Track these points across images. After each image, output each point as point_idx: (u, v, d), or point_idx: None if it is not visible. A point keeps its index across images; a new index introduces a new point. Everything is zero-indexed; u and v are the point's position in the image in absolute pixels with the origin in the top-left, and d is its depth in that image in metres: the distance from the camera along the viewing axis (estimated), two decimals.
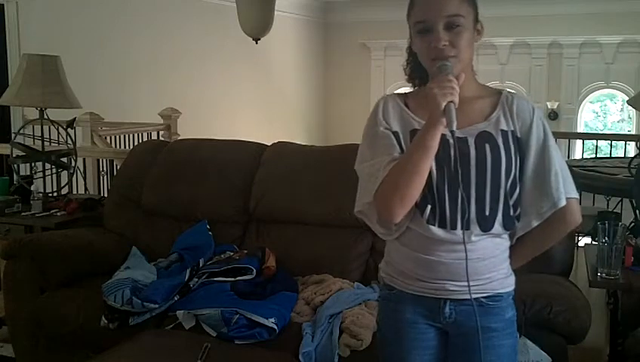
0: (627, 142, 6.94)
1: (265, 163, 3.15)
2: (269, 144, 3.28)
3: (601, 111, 10.04)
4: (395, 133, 1.47)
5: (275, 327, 2.32)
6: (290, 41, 9.49)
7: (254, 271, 2.66)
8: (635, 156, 4.42)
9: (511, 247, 1.52)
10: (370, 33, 9.97)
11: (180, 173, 3.22)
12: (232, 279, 2.62)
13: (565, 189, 1.45)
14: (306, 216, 2.95)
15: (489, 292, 1.47)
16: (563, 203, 1.44)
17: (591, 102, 9.80)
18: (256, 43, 5.92)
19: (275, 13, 5.84)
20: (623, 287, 2.39)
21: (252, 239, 3.04)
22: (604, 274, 2.30)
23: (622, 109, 9.83)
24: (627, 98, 8.52)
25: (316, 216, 2.93)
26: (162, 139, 5.64)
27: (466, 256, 1.39)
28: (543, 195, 1.44)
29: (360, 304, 2.49)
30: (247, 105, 8.46)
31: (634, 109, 7.95)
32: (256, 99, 8.62)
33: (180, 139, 4.23)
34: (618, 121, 9.97)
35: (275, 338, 2.31)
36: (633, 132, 9.36)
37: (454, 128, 1.33)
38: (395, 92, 1.59)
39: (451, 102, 1.34)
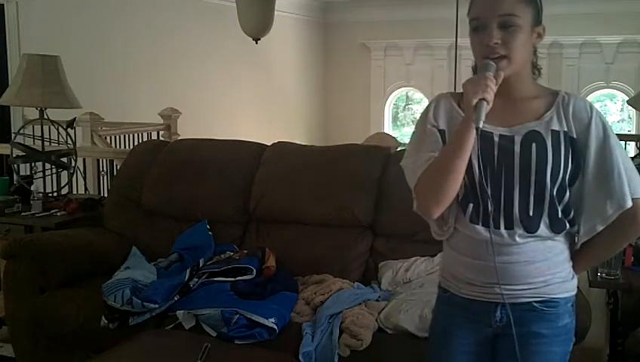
0: (627, 142, 6.93)
1: (265, 163, 3.15)
2: (269, 144, 3.28)
3: (601, 111, 10.04)
4: (442, 132, 1.47)
5: (275, 327, 2.32)
6: (290, 41, 9.48)
7: (254, 271, 2.66)
8: (635, 156, 4.42)
9: (576, 251, 1.49)
10: (370, 33, 9.97)
11: (180, 173, 3.22)
12: (232, 279, 2.62)
13: (631, 189, 1.40)
14: (306, 216, 2.95)
15: (543, 297, 1.44)
16: (629, 204, 1.39)
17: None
18: (256, 43, 5.91)
19: (275, 13, 5.83)
20: (623, 287, 2.39)
21: (252, 239, 3.04)
22: (604, 274, 2.30)
23: (622, 109, 9.82)
24: (627, 98, 8.52)
25: (316, 216, 2.93)
26: (162, 139, 5.63)
27: (494, 256, 1.37)
28: (606, 197, 1.40)
29: (360, 304, 2.49)
30: (247, 105, 8.46)
31: (634, 109, 7.94)
32: (256, 99, 8.62)
33: (180, 139, 4.23)
34: (618, 121, 9.96)
35: (275, 338, 2.31)
36: (633, 132, 9.35)
37: (480, 125, 1.31)
38: (453, 91, 1.57)
39: (483, 99, 1.32)
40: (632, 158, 4.34)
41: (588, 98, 9.57)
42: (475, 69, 1.47)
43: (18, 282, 2.80)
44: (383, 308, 2.44)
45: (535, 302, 1.44)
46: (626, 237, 1.50)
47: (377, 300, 2.56)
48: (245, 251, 2.88)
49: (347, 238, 2.86)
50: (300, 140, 5.34)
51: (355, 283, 2.73)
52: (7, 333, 2.98)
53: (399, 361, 2.20)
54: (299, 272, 2.82)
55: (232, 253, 2.86)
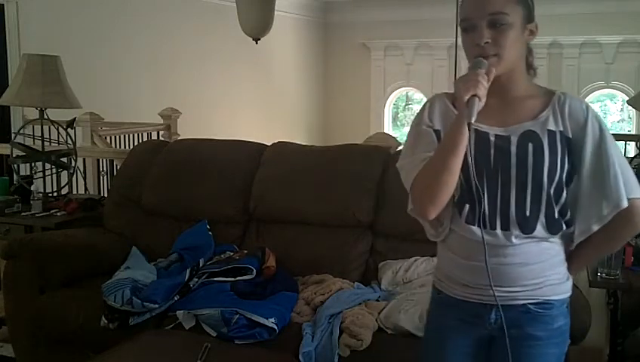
0: (627, 142, 6.93)
1: (265, 163, 3.15)
2: (269, 144, 3.28)
3: (601, 111, 10.03)
4: (437, 132, 1.46)
5: (275, 327, 2.32)
6: (290, 41, 9.48)
7: (254, 271, 2.66)
8: (635, 156, 4.42)
9: (571, 252, 1.48)
10: (370, 33, 9.97)
11: (180, 173, 3.22)
12: (232, 279, 2.62)
13: (627, 189, 1.39)
14: (306, 216, 2.95)
15: (538, 299, 1.43)
16: (624, 204, 1.38)
17: (591, 102, 9.80)
18: (256, 43, 5.91)
19: (275, 13, 5.83)
20: (623, 287, 2.39)
21: (252, 239, 3.04)
22: (604, 274, 2.30)
23: (622, 109, 9.82)
24: (627, 98, 8.51)
25: (316, 216, 2.93)
26: (162, 139, 5.63)
27: (485, 257, 1.36)
28: (602, 197, 1.39)
29: (360, 304, 2.49)
30: (247, 105, 8.46)
31: (634, 109, 7.94)
32: (256, 99, 8.62)
33: (180, 139, 4.22)
34: (618, 121, 9.96)
35: (275, 338, 2.31)
36: (633, 132, 9.35)
37: (472, 121, 1.31)
38: (447, 91, 1.56)
39: (475, 95, 1.32)
40: (632, 158, 4.34)
41: (588, 98, 9.58)
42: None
43: (18, 282, 2.80)
44: (383, 308, 2.44)
45: (529, 304, 1.43)
46: (621, 237, 1.50)
47: (377, 300, 2.56)
48: (245, 251, 2.88)
49: (347, 238, 2.86)
50: (300, 140, 5.34)
51: (355, 283, 2.73)
52: (7, 333, 2.98)
53: (399, 361, 2.20)
54: (299, 272, 2.82)
55: (232, 253, 2.86)
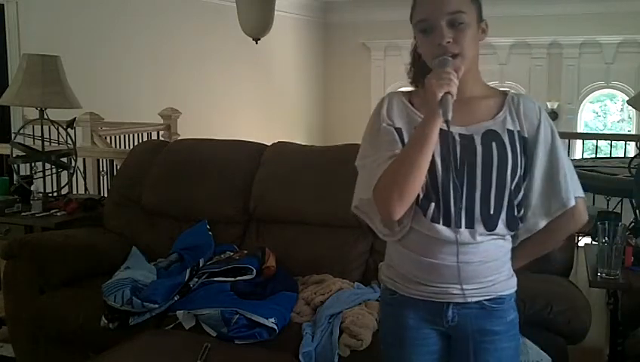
0: (627, 142, 6.93)
1: (265, 163, 3.15)
2: (269, 144, 3.28)
3: (601, 111, 10.04)
4: (398, 130, 1.46)
5: (275, 327, 2.32)
6: (290, 41, 9.49)
7: (254, 271, 2.66)
8: (635, 156, 4.42)
9: (513, 249, 1.51)
10: (370, 33, 9.97)
11: (180, 173, 3.22)
12: (232, 279, 2.62)
13: (572, 189, 1.44)
14: (306, 216, 2.95)
15: (492, 295, 1.46)
16: (572, 203, 1.43)
17: (591, 102, 9.80)
18: (257, 43, 5.92)
19: (275, 13, 5.84)
20: (623, 287, 2.39)
21: (252, 239, 3.04)
22: (604, 274, 2.30)
23: (622, 109, 9.83)
24: (627, 98, 8.52)
25: (316, 216, 2.93)
26: (162, 139, 5.63)
27: (458, 255, 1.38)
28: (552, 196, 1.44)
29: (360, 304, 2.49)
30: (247, 105, 8.46)
31: (634, 109, 7.94)
32: (256, 99, 8.62)
33: (180, 139, 4.22)
34: (618, 121, 9.96)
35: (275, 338, 2.31)
36: (633, 132, 9.35)
37: (449, 118, 1.32)
38: (400, 90, 1.57)
39: (448, 93, 1.33)
40: (632, 158, 4.35)
41: (588, 98, 9.60)
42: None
43: (18, 282, 2.80)
44: None
45: (485, 300, 1.45)
46: (563, 234, 1.53)
47: (377, 300, 2.55)
48: (245, 251, 2.88)
49: (347, 238, 2.86)
50: (300, 140, 5.34)
51: (355, 283, 2.73)
52: (7, 333, 2.98)
53: None
54: (299, 272, 2.82)
55: (232, 253, 2.86)
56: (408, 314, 1.50)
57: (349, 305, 2.44)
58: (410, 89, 1.58)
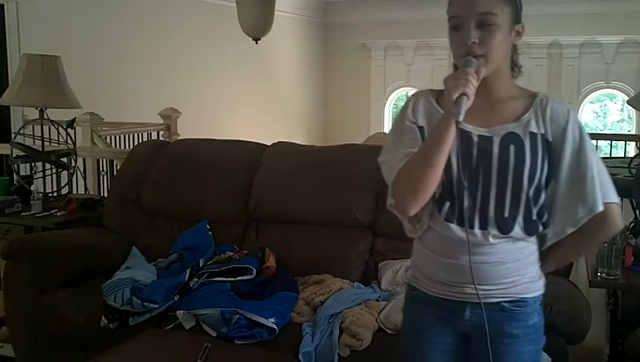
0: (627, 142, 6.93)
1: (265, 163, 3.15)
2: (269, 144, 3.28)
3: (601, 111, 10.03)
4: (421, 128, 1.46)
5: (275, 327, 2.32)
6: (290, 41, 9.48)
7: (254, 271, 2.66)
8: (635, 156, 4.41)
9: (542, 252, 1.49)
10: (370, 33, 9.97)
11: (180, 173, 3.22)
12: (232, 279, 2.62)
13: (603, 194, 1.40)
14: (306, 216, 2.95)
15: (512, 297, 1.44)
16: (600, 208, 1.40)
17: (591, 102, 9.79)
18: (257, 43, 5.91)
19: (275, 13, 5.83)
20: (623, 287, 2.39)
21: (252, 239, 3.04)
22: (604, 274, 2.30)
23: (622, 109, 9.82)
24: (627, 98, 8.51)
25: (316, 216, 2.93)
26: (162, 139, 5.63)
27: (470, 256, 1.38)
28: (578, 201, 1.41)
29: (360, 304, 2.49)
30: (247, 105, 8.46)
31: (634, 109, 7.94)
32: (256, 99, 8.62)
33: (180, 139, 4.23)
34: (618, 121, 9.96)
35: (275, 338, 2.31)
36: (633, 132, 9.34)
37: (460, 119, 1.32)
38: (431, 88, 1.56)
39: (464, 94, 1.32)
40: (632, 158, 4.35)
41: (588, 98, 9.59)
42: (455, 67, 1.46)
43: (18, 282, 2.80)
44: (383, 308, 2.44)
45: (504, 301, 1.44)
46: (594, 240, 1.53)
47: (377, 300, 2.56)
48: (245, 251, 2.88)
49: (347, 238, 2.86)
50: (300, 140, 5.34)
51: (355, 283, 2.73)
52: (7, 333, 2.98)
53: (399, 361, 2.19)
54: (299, 272, 2.82)
55: (232, 253, 2.86)
56: (427, 312, 1.51)
57: (349, 305, 2.44)
58: (441, 88, 1.58)
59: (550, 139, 1.43)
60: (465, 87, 1.32)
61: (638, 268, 2.39)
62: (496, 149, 1.41)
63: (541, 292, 1.49)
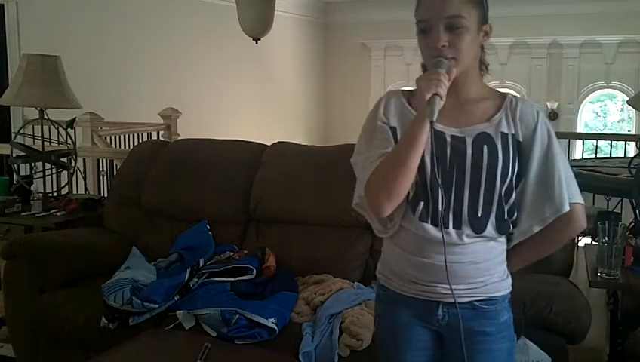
0: (627, 142, 6.93)
1: (265, 163, 3.15)
2: (269, 144, 3.28)
3: (601, 111, 10.04)
4: (393, 129, 1.47)
5: (275, 327, 2.32)
6: (290, 41, 9.49)
7: (254, 271, 2.66)
8: (635, 156, 4.42)
9: (508, 250, 1.51)
10: (370, 33, 9.98)
11: (180, 173, 3.22)
12: (232, 279, 2.62)
13: (569, 194, 1.43)
14: (306, 216, 2.95)
15: (483, 296, 1.46)
16: (566, 208, 1.43)
17: (591, 102, 9.80)
18: (257, 43, 5.92)
19: (275, 13, 5.84)
20: (623, 287, 2.39)
21: (252, 239, 3.04)
22: (604, 274, 2.30)
23: (622, 109, 9.83)
24: (627, 98, 8.52)
25: (316, 216, 2.93)
26: (162, 139, 5.63)
27: (445, 256, 1.38)
28: (546, 201, 1.43)
29: (360, 304, 2.48)
30: (247, 105, 8.46)
31: (634, 109, 7.94)
32: (256, 99, 8.62)
33: (180, 139, 4.22)
34: (618, 121, 9.96)
35: (275, 338, 2.31)
36: (633, 132, 9.35)
37: (434, 119, 1.33)
38: (402, 88, 1.57)
39: (436, 94, 1.33)
40: (632, 158, 4.35)
41: (588, 98, 9.60)
42: (424, 68, 1.47)
43: (18, 282, 2.80)
44: None
45: (475, 301, 1.46)
46: (560, 239, 1.54)
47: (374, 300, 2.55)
48: (245, 251, 2.88)
49: (347, 238, 2.86)
50: (300, 140, 5.34)
51: (355, 283, 2.73)
52: (7, 333, 2.98)
53: None
54: (299, 272, 2.82)
55: (232, 253, 2.86)
56: (400, 311, 1.51)
57: (348, 305, 2.44)
58: (412, 88, 1.59)
59: (520, 140, 1.45)
60: (437, 88, 1.33)
61: (638, 268, 2.39)
62: (469, 150, 1.42)
63: (509, 290, 1.52)
